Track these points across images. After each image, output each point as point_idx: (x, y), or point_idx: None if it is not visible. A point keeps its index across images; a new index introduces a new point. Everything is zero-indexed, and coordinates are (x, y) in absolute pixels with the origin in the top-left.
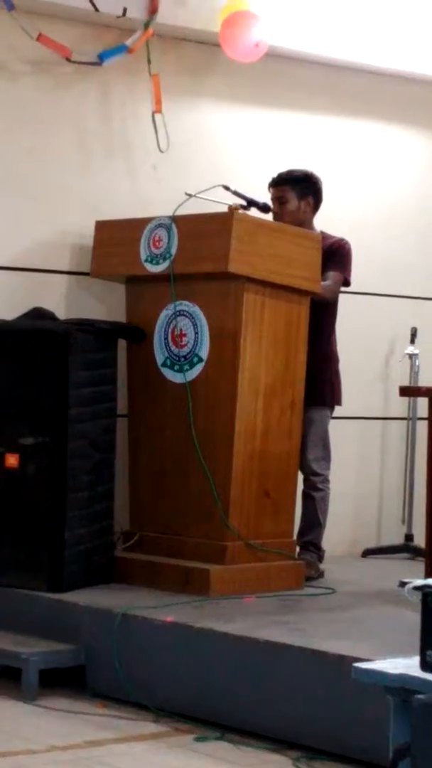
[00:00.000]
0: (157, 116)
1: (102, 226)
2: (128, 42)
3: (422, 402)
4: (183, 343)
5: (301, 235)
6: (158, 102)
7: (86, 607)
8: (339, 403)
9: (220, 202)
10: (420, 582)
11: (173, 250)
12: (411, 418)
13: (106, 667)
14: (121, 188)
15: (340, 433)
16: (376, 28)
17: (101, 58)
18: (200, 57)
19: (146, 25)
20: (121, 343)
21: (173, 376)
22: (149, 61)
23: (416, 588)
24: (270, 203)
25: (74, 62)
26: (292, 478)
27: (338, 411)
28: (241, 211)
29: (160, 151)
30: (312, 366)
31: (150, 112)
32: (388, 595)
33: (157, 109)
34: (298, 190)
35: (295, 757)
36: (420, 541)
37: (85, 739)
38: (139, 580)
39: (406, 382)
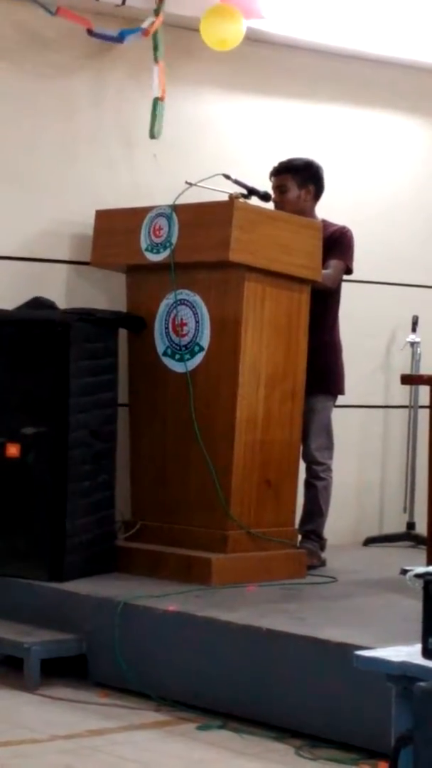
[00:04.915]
0: (159, 103)
1: (102, 216)
2: (144, 24)
3: (423, 390)
4: (184, 332)
5: (301, 223)
6: (162, 89)
7: (88, 597)
8: (342, 392)
9: (220, 191)
10: (421, 570)
11: (174, 239)
12: (412, 407)
13: (108, 656)
14: (122, 177)
15: (342, 422)
16: (377, 16)
17: (122, 35)
18: (201, 45)
19: (157, 12)
20: (122, 333)
21: (174, 366)
22: (155, 48)
23: (418, 576)
24: (271, 192)
25: (96, 35)
26: (293, 467)
27: (339, 399)
28: (241, 199)
29: (152, 137)
30: (315, 355)
31: (150, 100)
32: (390, 583)
33: (162, 97)
34: (299, 178)
35: (298, 746)
36: (422, 529)
37: (87, 729)
38: (140, 569)
39: (407, 371)
